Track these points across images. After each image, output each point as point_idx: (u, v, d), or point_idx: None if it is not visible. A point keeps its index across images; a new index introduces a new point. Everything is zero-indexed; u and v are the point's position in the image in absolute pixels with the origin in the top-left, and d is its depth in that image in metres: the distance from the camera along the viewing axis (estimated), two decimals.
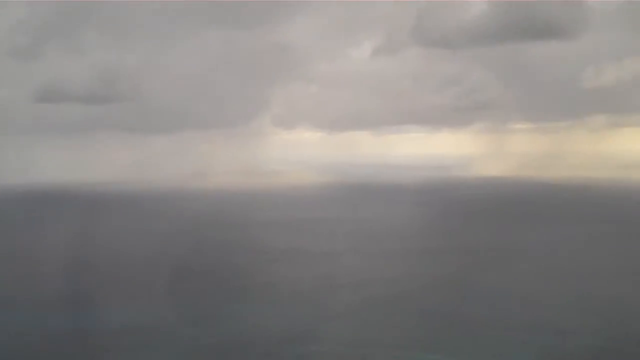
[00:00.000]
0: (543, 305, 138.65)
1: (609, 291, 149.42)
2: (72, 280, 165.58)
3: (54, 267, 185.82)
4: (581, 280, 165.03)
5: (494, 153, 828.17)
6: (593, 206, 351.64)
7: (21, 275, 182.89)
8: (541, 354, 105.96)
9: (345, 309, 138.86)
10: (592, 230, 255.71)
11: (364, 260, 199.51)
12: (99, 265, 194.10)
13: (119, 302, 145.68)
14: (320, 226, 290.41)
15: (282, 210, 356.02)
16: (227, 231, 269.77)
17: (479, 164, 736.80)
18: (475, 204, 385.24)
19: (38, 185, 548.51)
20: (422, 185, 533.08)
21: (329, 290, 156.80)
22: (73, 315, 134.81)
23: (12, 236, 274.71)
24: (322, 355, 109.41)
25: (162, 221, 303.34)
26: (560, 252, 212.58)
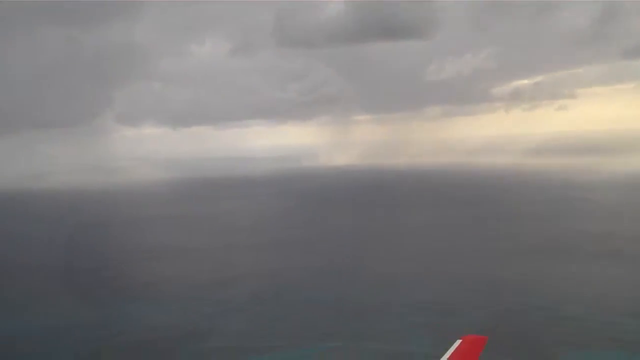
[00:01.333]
0: (420, 286, 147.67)
1: (473, 269, 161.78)
2: None
3: None
4: (444, 259, 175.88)
5: (339, 143, 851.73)
6: (436, 190, 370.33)
7: None
8: (432, 333, 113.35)
9: (232, 304, 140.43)
10: (441, 213, 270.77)
11: (235, 255, 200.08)
12: None
13: (8, 308, 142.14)
14: (181, 222, 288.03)
15: (135, 208, 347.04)
16: (89, 230, 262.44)
17: (325, 155, 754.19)
18: (328, 192, 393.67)
19: None
20: (273, 177, 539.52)
21: (211, 286, 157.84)
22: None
23: None
24: (222, 350, 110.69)
25: (18, 224, 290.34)
26: (419, 234, 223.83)
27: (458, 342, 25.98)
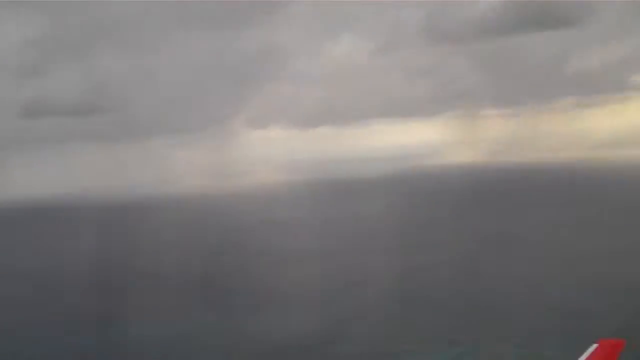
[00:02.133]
0: (560, 288, 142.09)
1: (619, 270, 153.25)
2: (102, 296, 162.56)
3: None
4: (583, 262, 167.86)
5: (465, 140, 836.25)
6: (572, 188, 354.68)
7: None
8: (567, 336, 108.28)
9: (362, 308, 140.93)
10: (581, 213, 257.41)
11: (363, 258, 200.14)
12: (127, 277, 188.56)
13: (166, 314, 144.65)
14: (314, 225, 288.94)
15: (271, 211, 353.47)
16: (233, 235, 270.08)
17: (450, 152, 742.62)
18: (455, 192, 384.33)
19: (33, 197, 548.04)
20: (396, 177, 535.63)
21: (340, 290, 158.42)
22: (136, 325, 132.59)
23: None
24: (353, 356, 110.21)
25: (165, 229, 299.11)
26: (562, 236, 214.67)
27: (594, 346, 24.79)
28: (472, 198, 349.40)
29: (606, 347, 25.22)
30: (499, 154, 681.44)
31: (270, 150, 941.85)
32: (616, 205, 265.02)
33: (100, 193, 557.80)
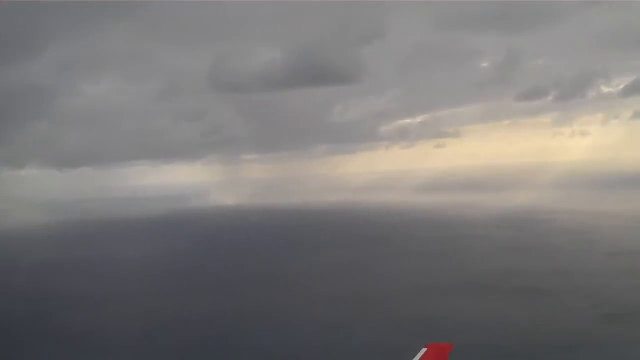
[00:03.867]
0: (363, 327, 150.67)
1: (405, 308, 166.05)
2: None
3: None
4: (372, 299, 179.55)
5: (228, 183, 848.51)
6: (332, 229, 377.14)
7: None
8: None
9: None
10: (345, 252, 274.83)
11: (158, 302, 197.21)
12: None
13: None
14: (92, 266, 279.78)
15: (44, 252, 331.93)
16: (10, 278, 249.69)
17: (214, 194, 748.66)
18: (224, 234, 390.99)
19: None
20: (165, 218, 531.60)
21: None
22: None
23: None
24: None
25: None
26: (332, 274, 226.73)
27: (423, 350, 25.77)
28: (240, 238, 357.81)
29: (435, 350, 26.95)
30: (260, 196, 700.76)
31: (27, 190, 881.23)
32: (380, 246, 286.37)
33: None
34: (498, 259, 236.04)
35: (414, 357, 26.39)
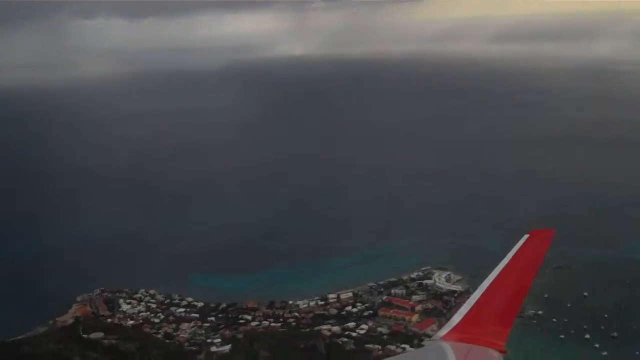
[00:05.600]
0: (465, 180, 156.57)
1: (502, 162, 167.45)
2: None
3: None
4: (465, 153, 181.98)
5: (295, 31, 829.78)
6: (415, 81, 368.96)
7: None
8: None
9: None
10: (432, 105, 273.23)
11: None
12: None
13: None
14: (168, 117, 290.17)
15: (122, 104, 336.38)
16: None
17: (283, 43, 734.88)
18: (298, 83, 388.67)
19: None
20: (236, 69, 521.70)
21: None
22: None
23: None
24: None
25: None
26: (423, 127, 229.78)
27: (525, 237, 24.29)
28: (310, 88, 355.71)
29: (538, 236, 25.38)
30: (327, 46, 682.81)
31: (97, 40, 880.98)
32: (466, 99, 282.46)
33: None
34: (585, 111, 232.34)
35: (517, 243, 26.68)
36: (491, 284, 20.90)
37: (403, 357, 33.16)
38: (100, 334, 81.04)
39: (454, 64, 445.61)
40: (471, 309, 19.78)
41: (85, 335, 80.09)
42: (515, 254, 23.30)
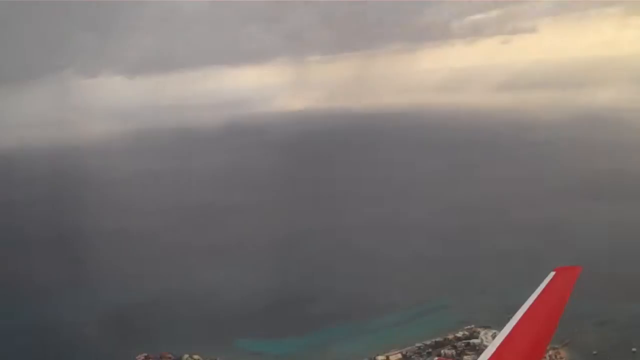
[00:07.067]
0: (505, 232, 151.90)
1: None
2: None
3: None
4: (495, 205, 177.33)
5: (297, 85, 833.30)
6: (420, 133, 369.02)
7: None
8: None
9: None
10: (444, 159, 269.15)
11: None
12: None
13: None
14: (173, 177, 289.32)
15: (139, 163, 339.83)
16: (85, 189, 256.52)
17: (282, 98, 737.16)
18: (298, 139, 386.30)
19: None
20: (237, 125, 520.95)
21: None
22: None
23: None
24: None
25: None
26: (435, 184, 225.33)
27: (552, 274, 26.35)
28: (311, 145, 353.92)
29: (563, 273, 26.89)
30: (329, 99, 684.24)
31: (99, 99, 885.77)
32: (475, 152, 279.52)
33: None
34: (600, 160, 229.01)
35: (543, 281, 26.16)
36: (517, 323, 22.08)
37: None
38: None
39: (457, 115, 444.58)
40: (497, 349, 20.72)
41: None
42: (542, 292, 24.50)
